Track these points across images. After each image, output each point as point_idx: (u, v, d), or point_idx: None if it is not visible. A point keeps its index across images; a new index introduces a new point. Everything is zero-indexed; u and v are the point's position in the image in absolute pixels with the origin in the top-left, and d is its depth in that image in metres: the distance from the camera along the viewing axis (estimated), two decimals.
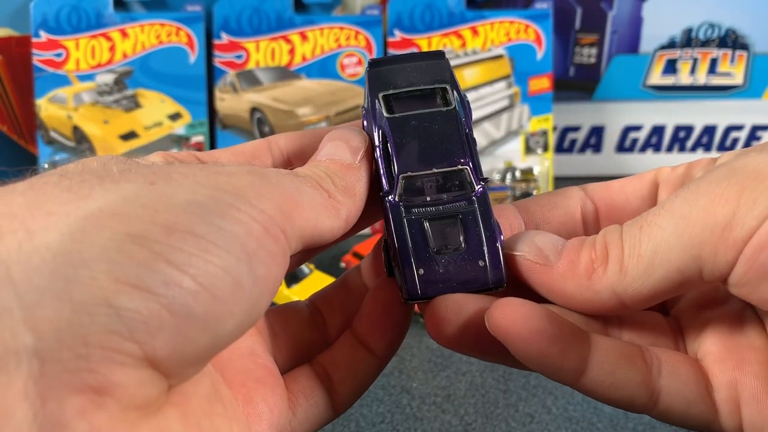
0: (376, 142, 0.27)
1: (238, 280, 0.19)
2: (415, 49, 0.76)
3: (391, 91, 0.28)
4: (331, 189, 0.25)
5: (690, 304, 0.27)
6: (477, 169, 0.27)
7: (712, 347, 0.25)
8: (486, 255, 0.25)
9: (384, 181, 0.26)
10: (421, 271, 0.25)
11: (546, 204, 0.29)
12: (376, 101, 0.27)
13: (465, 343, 0.25)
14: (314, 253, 0.30)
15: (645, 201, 0.28)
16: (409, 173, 0.26)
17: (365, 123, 0.28)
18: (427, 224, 0.26)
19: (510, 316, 0.23)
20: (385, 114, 0.27)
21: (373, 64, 0.28)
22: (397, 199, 0.26)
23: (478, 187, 0.26)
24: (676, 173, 0.28)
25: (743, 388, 0.23)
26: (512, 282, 0.26)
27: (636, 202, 0.28)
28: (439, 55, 0.29)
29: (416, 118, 0.27)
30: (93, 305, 0.17)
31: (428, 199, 0.26)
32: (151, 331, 0.17)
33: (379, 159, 0.27)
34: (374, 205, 0.27)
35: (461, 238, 0.26)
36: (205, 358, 0.19)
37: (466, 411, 0.50)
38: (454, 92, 0.28)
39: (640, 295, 0.23)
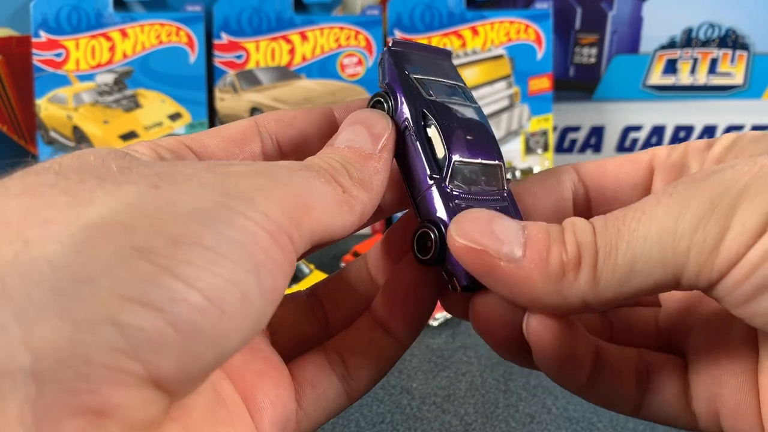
0: (410, 124, 0.25)
1: (246, 293, 0.18)
2: None
3: (421, 76, 0.27)
4: (347, 183, 0.23)
5: (673, 309, 0.27)
6: (505, 169, 0.26)
7: (692, 356, 0.24)
8: None
9: (425, 164, 0.25)
10: None
11: (538, 190, 0.27)
12: (411, 81, 0.26)
13: (511, 342, 0.24)
14: (321, 247, 0.29)
15: (637, 190, 0.27)
16: (462, 159, 0.25)
17: (391, 102, 0.26)
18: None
19: (546, 329, 0.23)
20: (426, 96, 0.26)
21: (396, 44, 0.27)
22: (447, 183, 0.25)
23: (508, 185, 0.26)
24: (672, 161, 0.27)
25: (722, 404, 0.23)
26: None
27: (628, 191, 0.27)
28: (448, 54, 0.29)
29: (455, 107, 0.26)
30: (96, 323, 0.16)
31: (471, 188, 0.25)
32: (156, 350, 0.16)
33: (415, 141, 0.25)
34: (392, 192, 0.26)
35: None
36: (209, 373, 0.19)
37: (466, 411, 0.50)
38: (470, 93, 0.28)
39: (608, 302, 0.22)
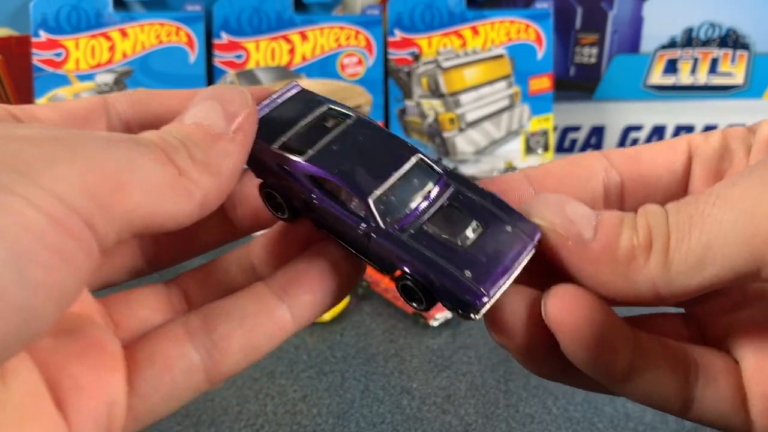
0: (308, 192, 0.23)
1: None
2: (415, 50, 0.76)
3: (283, 139, 0.24)
4: (184, 164, 0.20)
5: (716, 304, 0.24)
6: (425, 155, 0.24)
7: (743, 355, 0.23)
8: (507, 218, 0.23)
9: (350, 221, 0.23)
10: (468, 273, 0.21)
11: (561, 175, 0.25)
12: (278, 157, 0.23)
13: (536, 341, 0.22)
14: (183, 252, 0.26)
15: (678, 177, 0.25)
16: (375, 193, 0.22)
17: (282, 184, 0.24)
18: (430, 228, 0.22)
19: (569, 309, 0.21)
20: (300, 158, 0.23)
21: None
22: (384, 226, 0.22)
23: (439, 168, 0.24)
24: (711, 146, 0.25)
25: None
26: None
27: (667, 177, 0.25)
28: (296, 86, 0.26)
29: (334, 142, 0.23)
30: None
31: (410, 204, 0.23)
32: None
33: (326, 204, 0.23)
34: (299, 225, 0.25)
35: (472, 219, 0.23)
36: None
37: (466, 411, 0.50)
38: (341, 107, 0.25)
39: (683, 291, 0.21)
